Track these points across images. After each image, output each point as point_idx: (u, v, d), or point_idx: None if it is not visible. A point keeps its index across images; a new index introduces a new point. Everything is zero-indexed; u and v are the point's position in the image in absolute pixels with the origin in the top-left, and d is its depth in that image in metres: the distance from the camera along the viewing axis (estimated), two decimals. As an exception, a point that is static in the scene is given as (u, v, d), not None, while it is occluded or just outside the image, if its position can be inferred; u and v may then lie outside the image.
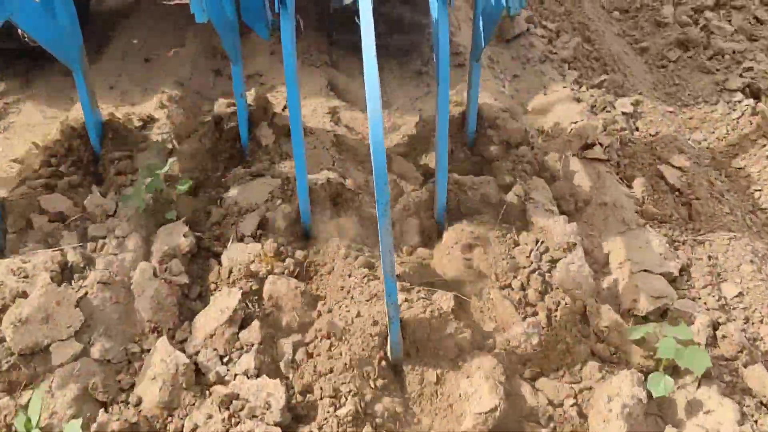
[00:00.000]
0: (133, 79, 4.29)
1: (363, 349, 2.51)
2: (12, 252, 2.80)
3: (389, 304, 2.32)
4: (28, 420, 2.22)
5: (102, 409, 2.35)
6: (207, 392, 2.39)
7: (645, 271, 2.90)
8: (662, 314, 2.79)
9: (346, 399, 2.35)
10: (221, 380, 2.42)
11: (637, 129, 3.87)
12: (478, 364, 2.49)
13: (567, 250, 2.94)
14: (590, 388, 2.54)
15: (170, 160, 3.18)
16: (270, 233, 2.95)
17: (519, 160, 3.48)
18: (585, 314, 2.74)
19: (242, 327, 2.58)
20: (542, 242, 2.99)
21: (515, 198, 3.24)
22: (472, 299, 2.79)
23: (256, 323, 2.56)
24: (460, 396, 2.42)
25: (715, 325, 2.74)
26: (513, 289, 2.82)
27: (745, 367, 2.60)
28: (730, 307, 2.88)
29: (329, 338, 2.50)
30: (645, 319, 2.77)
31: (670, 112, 4.17)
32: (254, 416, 2.30)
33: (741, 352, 2.63)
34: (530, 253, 2.95)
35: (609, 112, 3.95)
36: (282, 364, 2.49)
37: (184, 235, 2.87)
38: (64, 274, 2.72)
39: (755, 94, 4.36)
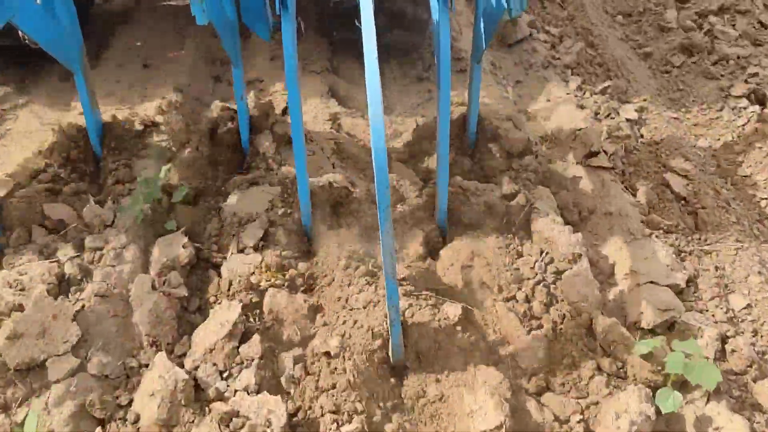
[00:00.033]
0: (132, 86, 4.24)
1: (365, 363, 2.47)
2: (8, 264, 2.75)
3: (390, 307, 2.30)
4: (24, 438, 2.17)
5: (99, 427, 2.30)
6: (206, 409, 2.34)
7: (651, 282, 2.85)
8: (669, 327, 2.74)
9: (350, 416, 2.31)
10: (221, 396, 2.38)
11: (641, 136, 3.83)
12: (483, 378, 2.45)
13: (572, 261, 2.90)
14: (597, 404, 2.49)
15: (164, 167, 3.13)
16: (271, 244, 2.91)
17: (523, 169, 3.43)
18: (591, 327, 2.70)
19: (242, 341, 2.53)
20: (547, 253, 2.95)
21: (519, 207, 3.20)
22: (475, 311, 2.74)
23: (256, 337, 2.52)
24: (465, 413, 2.37)
25: (724, 339, 2.69)
26: (517, 301, 2.78)
27: (754, 381, 2.56)
28: (738, 319, 2.83)
29: (329, 358, 2.45)
30: (652, 332, 2.72)
31: (675, 118, 4.12)
32: (255, 434, 2.25)
33: (750, 366, 2.58)
34: (534, 264, 2.91)
35: (613, 118, 3.90)
36: (283, 380, 2.45)
37: (183, 246, 2.83)
38: (61, 286, 2.68)
39: (760, 100, 4.31)
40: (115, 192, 3.13)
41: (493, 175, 3.40)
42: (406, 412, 2.42)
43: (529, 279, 2.85)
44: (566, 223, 3.18)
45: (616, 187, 3.39)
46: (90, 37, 3.25)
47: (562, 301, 2.77)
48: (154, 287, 2.67)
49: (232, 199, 3.12)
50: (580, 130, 3.77)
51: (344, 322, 2.60)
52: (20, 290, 2.62)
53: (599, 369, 2.58)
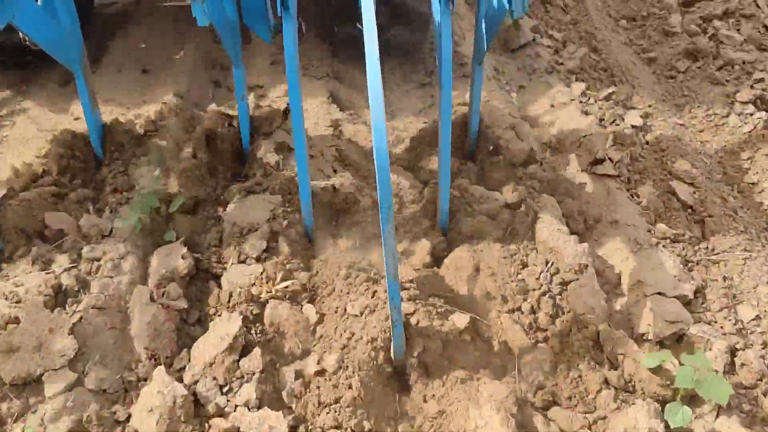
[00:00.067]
0: (131, 91, 4.20)
1: (367, 377, 2.43)
2: (3, 276, 2.70)
3: (392, 308, 2.29)
4: (19, 456, 2.12)
5: (96, 443, 2.26)
6: (206, 425, 2.29)
7: (659, 294, 2.80)
8: (677, 339, 2.69)
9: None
10: (221, 412, 2.33)
11: (647, 143, 3.78)
12: (489, 393, 2.40)
13: (578, 272, 2.85)
14: (605, 418, 2.44)
15: (155, 174, 3.07)
16: (273, 254, 2.86)
17: (527, 177, 3.39)
18: (598, 340, 2.65)
19: (243, 354, 2.48)
20: (552, 263, 2.90)
21: (523, 216, 3.15)
22: (479, 323, 2.70)
23: (257, 350, 2.47)
24: (470, 428, 2.32)
25: (733, 351, 2.64)
26: (523, 312, 2.73)
27: (764, 395, 2.51)
28: (747, 331, 2.78)
29: (331, 372, 2.40)
30: (660, 345, 2.68)
31: (680, 124, 4.07)
32: (255, 451, 2.21)
33: (761, 380, 2.53)
34: (540, 274, 2.86)
35: (618, 125, 3.85)
36: (284, 394, 2.40)
37: (183, 257, 2.78)
38: (58, 298, 2.63)
39: (767, 106, 4.27)
40: (113, 201, 3.08)
41: (496, 185, 3.36)
42: (410, 428, 2.37)
43: (534, 290, 2.80)
44: (571, 232, 3.13)
45: (622, 195, 3.34)
46: (88, 40, 3.21)
47: (569, 312, 2.72)
48: (152, 299, 2.62)
49: (232, 207, 3.07)
50: (584, 137, 3.73)
51: (344, 334, 2.55)
52: (16, 302, 2.58)
53: (607, 382, 2.53)
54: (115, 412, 2.34)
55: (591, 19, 5.25)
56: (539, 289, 2.79)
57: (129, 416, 2.33)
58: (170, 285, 2.66)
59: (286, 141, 3.46)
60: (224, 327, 2.51)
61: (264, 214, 3.01)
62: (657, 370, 2.46)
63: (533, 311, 2.73)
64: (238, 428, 2.24)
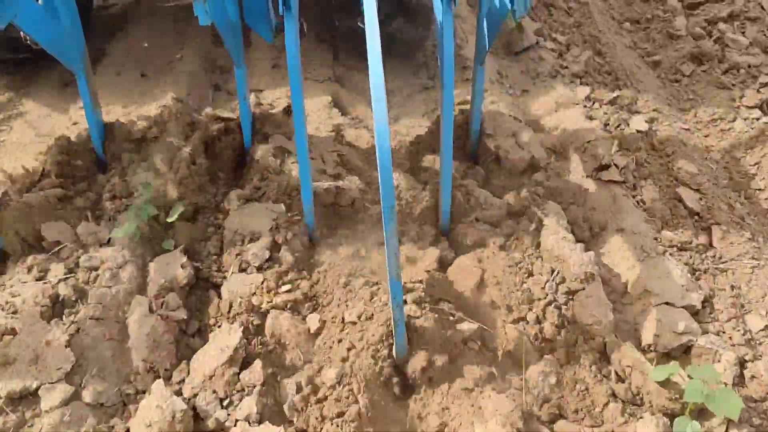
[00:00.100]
0: (129, 95, 4.14)
1: (370, 390, 2.38)
2: (-1, 285, 2.66)
3: (395, 307, 2.28)
4: (15, 472, 2.08)
5: (94, 459, 2.21)
6: (206, 440, 2.25)
7: (666, 303, 2.75)
8: (685, 350, 2.65)
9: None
10: (221, 426, 2.28)
11: (652, 148, 3.73)
12: (494, 407, 2.35)
13: (585, 282, 2.80)
14: (612, 432, 2.40)
15: (153, 182, 3.02)
16: (274, 263, 2.82)
17: (531, 183, 3.34)
18: (605, 351, 2.60)
19: (243, 366, 2.44)
20: (558, 272, 2.85)
21: (528, 223, 3.11)
22: (487, 333, 2.65)
23: (258, 363, 2.42)
24: (475, 444, 2.28)
25: (742, 363, 2.59)
26: (528, 322, 2.69)
27: (775, 409, 2.47)
28: (756, 342, 2.74)
29: (333, 384, 2.36)
30: (667, 356, 2.63)
31: (686, 129, 4.02)
32: (256, 468, 2.16)
33: (771, 393, 2.48)
34: (545, 284, 2.81)
35: (623, 130, 3.80)
36: (286, 407, 2.35)
37: (182, 266, 2.74)
38: (55, 308, 2.58)
39: (774, 111, 4.22)
40: (111, 208, 3.04)
41: (500, 191, 3.32)
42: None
43: (540, 299, 2.75)
44: (577, 239, 3.09)
45: (628, 202, 3.30)
46: (86, 43, 3.17)
47: (575, 323, 2.68)
48: (151, 310, 2.58)
49: (233, 215, 3.02)
50: (589, 142, 3.68)
51: (346, 345, 2.51)
52: (12, 313, 2.53)
53: (614, 395, 2.49)
54: (113, 427, 2.29)
55: (595, 22, 5.19)
56: (545, 298, 2.75)
57: (127, 430, 2.29)
58: (169, 295, 2.61)
59: (283, 145, 3.42)
60: (224, 339, 2.47)
61: (266, 222, 2.96)
62: (665, 383, 2.42)
63: (539, 321, 2.69)
64: (239, 444, 2.20)
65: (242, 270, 2.79)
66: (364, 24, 2.25)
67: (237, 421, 2.27)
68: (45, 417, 2.25)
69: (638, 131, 3.81)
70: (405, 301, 2.56)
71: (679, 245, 3.09)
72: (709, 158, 3.79)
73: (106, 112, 3.94)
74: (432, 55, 4.85)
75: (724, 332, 2.74)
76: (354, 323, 2.58)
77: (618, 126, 3.85)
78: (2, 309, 2.53)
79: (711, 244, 3.19)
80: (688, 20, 5.20)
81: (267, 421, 2.27)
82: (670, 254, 3.03)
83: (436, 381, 2.47)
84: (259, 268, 2.78)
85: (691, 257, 3.05)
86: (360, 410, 2.32)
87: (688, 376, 2.40)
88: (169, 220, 2.90)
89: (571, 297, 2.76)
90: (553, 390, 2.50)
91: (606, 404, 2.45)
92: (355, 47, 4.55)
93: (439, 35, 2.87)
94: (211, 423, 2.27)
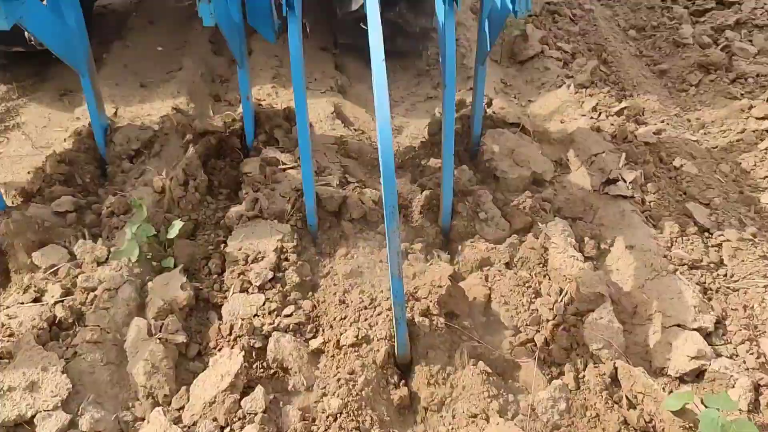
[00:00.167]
0: (129, 106, 4.07)
1: (374, 415, 2.32)
2: (-5, 307, 2.60)
3: (396, 305, 2.28)
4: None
5: (91, 491, 2.15)
6: (206, 472, 2.18)
7: (678, 326, 2.68)
8: (698, 375, 2.58)
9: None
10: (221, 458, 2.22)
11: (661, 161, 3.66)
12: (501, 435, 2.29)
13: (594, 302, 2.73)
14: (624, 462, 2.33)
15: (142, 199, 2.95)
16: (275, 282, 2.75)
17: (537, 199, 3.27)
18: (616, 377, 2.53)
19: (245, 392, 2.37)
20: (566, 293, 2.78)
21: (535, 241, 3.04)
22: (493, 355, 2.59)
23: (260, 389, 2.36)
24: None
25: (757, 388, 2.52)
26: (536, 344, 2.62)
27: (791, 437, 2.39)
28: (771, 365, 2.66)
29: (338, 411, 2.29)
30: (680, 380, 2.56)
31: (694, 141, 3.95)
32: (258, 501, 2.10)
33: (787, 420, 2.41)
34: (553, 305, 2.75)
35: (631, 142, 3.73)
36: (288, 435, 2.29)
37: (182, 288, 2.67)
38: (52, 331, 2.52)
39: (782, 122, 4.14)
40: (110, 225, 2.97)
41: (502, 207, 3.26)
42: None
43: (548, 320, 2.70)
44: (584, 257, 3.03)
45: (637, 219, 3.23)
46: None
47: (584, 345, 2.62)
48: (150, 333, 2.51)
49: (237, 233, 2.97)
50: (596, 155, 3.61)
51: (349, 367, 2.44)
52: (9, 336, 2.47)
53: (626, 423, 2.42)
54: (110, 457, 2.23)
55: (600, 30, 5.12)
56: (553, 320, 2.69)
57: (125, 461, 2.22)
58: (169, 318, 2.54)
59: (276, 156, 3.37)
60: (225, 365, 2.40)
61: (271, 242, 2.90)
62: (680, 412, 2.35)
63: (547, 344, 2.63)
64: (240, 476, 2.13)
65: (243, 290, 2.73)
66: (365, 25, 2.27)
67: (238, 451, 2.21)
68: (40, 446, 2.18)
69: (646, 143, 3.74)
70: (412, 319, 2.52)
71: (689, 263, 3.02)
72: (719, 171, 3.72)
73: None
74: (435, 64, 4.80)
75: (737, 355, 2.67)
76: (358, 345, 2.53)
77: (625, 138, 3.78)
78: (-3, 332, 2.46)
79: (722, 262, 3.12)
80: (694, 28, 5.13)
81: (269, 452, 2.20)
82: (681, 273, 2.96)
83: (440, 405, 2.42)
84: (261, 288, 2.72)
85: (702, 276, 2.98)
86: (364, 438, 2.25)
87: (703, 403, 2.34)
88: (169, 236, 2.83)
89: (579, 318, 2.70)
90: (563, 416, 2.43)
91: (617, 432, 2.38)
92: (358, 58, 4.52)
93: (440, 36, 2.86)
94: (211, 453, 2.21)
